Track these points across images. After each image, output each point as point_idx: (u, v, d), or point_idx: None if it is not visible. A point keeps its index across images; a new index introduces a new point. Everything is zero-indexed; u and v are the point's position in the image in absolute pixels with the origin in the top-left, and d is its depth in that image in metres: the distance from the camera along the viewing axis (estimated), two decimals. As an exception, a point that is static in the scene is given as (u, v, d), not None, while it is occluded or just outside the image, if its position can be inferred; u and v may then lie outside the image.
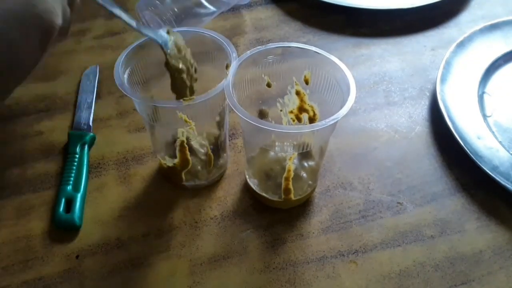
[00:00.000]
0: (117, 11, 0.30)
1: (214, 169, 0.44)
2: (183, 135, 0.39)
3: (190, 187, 0.44)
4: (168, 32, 0.35)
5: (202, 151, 0.42)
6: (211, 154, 0.42)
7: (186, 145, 0.40)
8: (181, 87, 0.35)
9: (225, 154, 0.45)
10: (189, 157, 0.41)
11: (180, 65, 0.34)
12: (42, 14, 0.20)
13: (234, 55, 0.37)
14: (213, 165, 0.43)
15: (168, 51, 0.34)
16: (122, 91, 0.35)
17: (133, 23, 0.31)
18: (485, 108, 0.50)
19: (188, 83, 0.35)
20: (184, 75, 0.35)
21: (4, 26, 0.18)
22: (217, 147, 0.44)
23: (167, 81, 0.37)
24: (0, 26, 0.18)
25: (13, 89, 0.20)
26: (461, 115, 0.47)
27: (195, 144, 0.41)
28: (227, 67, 0.37)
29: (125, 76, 0.37)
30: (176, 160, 0.42)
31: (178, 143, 0.40)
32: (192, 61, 0.36)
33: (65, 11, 0.21)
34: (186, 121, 0.37)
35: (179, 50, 0.35)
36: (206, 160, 0.43)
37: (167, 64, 0.35)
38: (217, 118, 0.41)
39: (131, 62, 0.38)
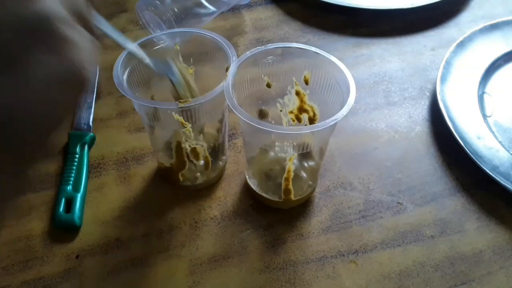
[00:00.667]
0: (130, 46, 0.32)
1: (211, 171, 0.44)
2: (179, 137, 0.39)
3: (187, 187, 0.44)
4: (173, 60, 0.38)
5: (200, 153, 0.42)
6: (209, 156, 0.42)
7: (182, 147, 0.40)
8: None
9: (224, 157, 0.45)
10: (186, 159, 0.41)
11: (187, 93, 0.38)
12: (80, 74, 0.20)
13: (234, 58, 0.37)
14: (210, 168, 0.43)
15: (177, 83, 0.37)
16: (120, 91, 0.35)
17: (147, 59, 0.33)
18: (485, 108, 0.50)
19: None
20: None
21: (49, 87, 0.19)
22: (216, 150, 0.44)
23: (167, 81, 0.37)
24: (45, 88, 0.19)
25: (45, 142, 0.22)
26: (461, 115, 0.47)
27: (192, 146, 0.41)
28: (227, 69, 0.37)
29: (125, 76, 0.37)
30: (173, 161, 0.42)
31: (174, 144, 0.40)
32: (196, 89, 0.39)
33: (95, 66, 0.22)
34: (182, 123, 0.37)
35: (185, 81, 0.37)
36: (203, 162, 0.43)
37: (176, 95, 0.37)
38: (217, 121, 0.41)
39: (131, 62, 0.38)
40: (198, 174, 0.43)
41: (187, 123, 0.37)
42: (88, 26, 0.22)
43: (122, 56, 0.37)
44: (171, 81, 0.36)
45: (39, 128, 0.20)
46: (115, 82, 0.35)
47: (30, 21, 0.19)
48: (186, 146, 0.40)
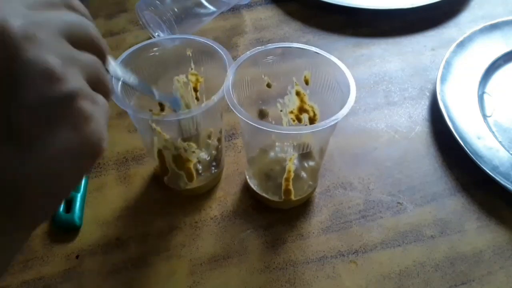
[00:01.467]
0: (137, 85, 0.32)
1: (201, 181, 0.43)
2: (160, 144, 0.39)
3: (175, 190, 0.44)
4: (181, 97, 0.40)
5: (185, 163, 0.41)
6: (192, 169, 0.41)
7: (163, 154, 0.40)
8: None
9: (215, 170, 0.44)
10: (168, 166, 0.41)
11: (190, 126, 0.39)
12: (95, 146, 0.21)
13: (229, 62, 0.37)
14: (196, 179, 0.42)
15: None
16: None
17: (156, 95, 0.34)
18: (485, 108, 0.50)
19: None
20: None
21: (61, 163, 0.20)
22: (209, 163, 0.43)
23: (167, 82, 0.37)
24: (57, 164, 0.19)
25: (55, 210, 0.22)
26: (461, 115, 0.47)
27: (174, 153, 0.40)
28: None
29: (120, 82, 0.37)
30: (156, 165, 0.42)
31: (156, 150, 0.40)
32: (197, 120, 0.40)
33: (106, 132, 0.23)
34: (159, 133, 0.37)
35: (187, 107, 0.39)
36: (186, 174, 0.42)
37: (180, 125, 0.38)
38: (207, 133, 0.41)
39: (131, 64, 0.38)
40: (184, 182, 0.43)
41: (164, 133, 0.37)
42: (104, 90, 0.22)
43: (118, 61, 0.37)
44: (175, 111, 0.37)
45: (49, 200, 0.21)
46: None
47: (51, 100, 0.19)
48: (168, 153, 0.40)
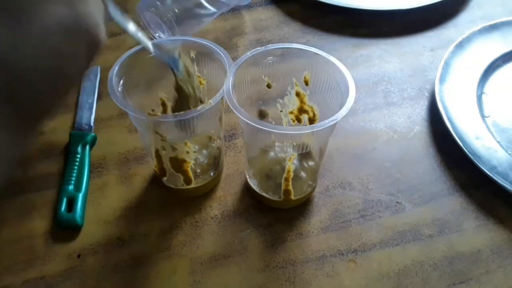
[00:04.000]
0: (135, 32, 0.31)
1: (198, 180, 0.43)
2: (157, 145, 0.40)
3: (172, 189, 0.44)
4: (179, 55, 0.36)
5: (183, 166, 0.41)
6: (189, 170, 0.41)
7: (160, 155, 0.40)
8: (185, 108, 0.37)
9: (212, 173, 0.44)
10: (165, 167, 0.41)
11: (189, 88, 0.37)
12: (90, 29, 0.20)
13: (229, 63, 0.37)
14: (194, 181, 0.43)
15: (180, 76, 0.36)
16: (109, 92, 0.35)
17: (149, 45, 0.33)
18: (483, 108, 0.50)
19: (191, 107, 0.36)
20: (192, 100, 0.37)
21: (55, 38, 0.19)
22: (208, 165, 0.44)
23: (167, 83, 0.37)
24: (51, 39, 0.19)
25: (59, 101, 0.21)
26: (459, 115, 0.48)
27: (171, 155, 0.40)
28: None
29: (121, 81, 0.37)
30: (155, 165, 0.42)
31: (153, 150, 0.41)
32: (199, 86, 0.38)
33: (107, 27, 0.22)
34: (156, 133, 0.37)
35: (188, 74, 0.36)
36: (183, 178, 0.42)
37: (178, 87, 0.37)
38: (207, 135, 0.41)
39: (131, 65, 0.38)
40: (182, 183, 0.43)
41: (162, 134, 0.37)
42: None
43: (118, 63, 0.37)
44: (174, 73, 0.36)
45: (48, 84, 0.20)
46: (109, 79, 0.36)
47: None
48: (165, 155, 0.40)
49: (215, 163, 0.44)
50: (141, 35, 0.31)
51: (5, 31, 0.18)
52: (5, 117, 0.18)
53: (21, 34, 0.18)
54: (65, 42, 0.19)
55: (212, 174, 0.44)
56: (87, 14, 0.20)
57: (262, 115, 0.44)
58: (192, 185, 0.43)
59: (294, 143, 0.38)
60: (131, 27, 0.30)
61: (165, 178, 0.43)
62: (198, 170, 0.43)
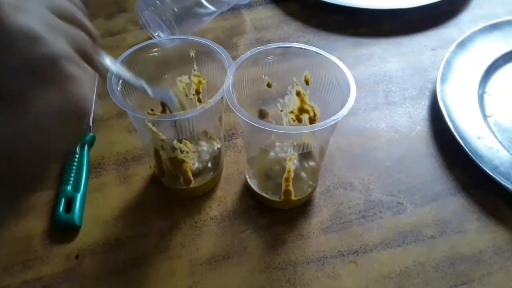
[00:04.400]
0: (129, 77, 0.33)
1: (197, 180, 0.43)
2: (156, 144, 0.39)
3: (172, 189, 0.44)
4: (174, 94, 0.39)
5: (182, 166, 0.41)
6: (188, 170, 0.41)
7: (160, 154, 0.40)
8: None
9: (211, 173, 0.43)
10: (164, 167, 0.41)
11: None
12: (80, 106, 0.21)
13: (229, 62, 0.37)
14: (193, 182, 0.42)
15: (174, 111, 0.37)
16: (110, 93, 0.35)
17: (148, 90, 0.34)
18: (485, 108, 0.50)
19: None
20: None
21: (48, 121, 0.20)
22: (208, 165, 0.43)
23: (167, 82, 0.37)
24: (44, 122, 0.20)
25: (46, 170, 0.23)
26: (461, 115, 0.47)
27: (170, 156, 0.40)
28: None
29: (121, 80, 0.37)
30: (154, 165, 0.42)
31: (152, 150, 0.40)
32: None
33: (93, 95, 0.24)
34: (155, 133, 0.37)
35: (182, 106, 0.38)
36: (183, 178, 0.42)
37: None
38: (205, 134, 0.41)
39: (131, 64, 0.38)
40: (181, 183, 0.42)
41: (160, 134, 0.37)
42: (91, 62, 0.23)
43: (119, 59, 0.37)
44: (169, 108, 0.37)
45: (40, 159, 0.21)
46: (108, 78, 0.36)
47: (36, 62, 0.20)
48: (164, 155, 0.40)
49: (215, 163, 0.44)
50: (139, 82, 0.34)
51: (2, 118, 0.19)
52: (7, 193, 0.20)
53: (16, 121, 0.19)
54: (57, 123, 0.21)
55: (211, 174, 0.43)
56: (78, 96, 0.21)
57: (262, 115, 0.44)
58: (192, 185, 0.42)
59: (295, 143, 0.38)
60: (127, 75, 0.32)
61: (164, 178, 0.43)
62: (198, 170, 0.43)
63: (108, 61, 0.29)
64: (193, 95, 0.43)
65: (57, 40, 0.21)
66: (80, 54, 0.22)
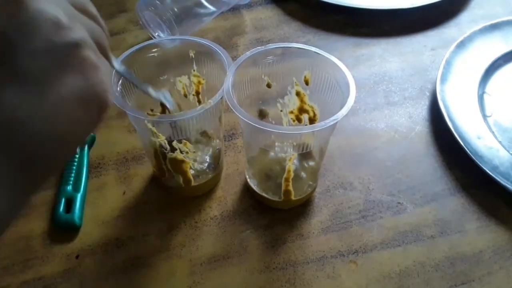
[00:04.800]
0: (132, 78, 0.34)
1: (197, 180, 0.43)
2: (155, 145, 0.39)
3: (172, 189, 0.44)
4: (171, 95, 0.39)
5: (182, 167, 0.41)
6: (187, 171, 0.41)
7: (159, 155, 0.40)
8: None
9: (211, 173, 0.43)
10: (164, 167, 0.41)
11: None
12: (100, 95, 0.22)
13: (228, 63, 0.37)
14: (193, 182, 0.42)
15: (172, 110, 0.38)
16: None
17: (152, 92, 0.35)
18: (485, 108, 0.50)
19: None
20: None
21: (69, 106, 0.21)
22: (208, 165, 0.43)
23: (167, 82, 0.37)
24: (65, 107, 0.21)
25: (66, 162, 0.23)
26: (461, 115, 0.47)
27: (171, 156, 0.40)
28: None
29: (120, 80, 0.37)
30: (154, 165, 0.42)
31: (152, 150, 0.40)
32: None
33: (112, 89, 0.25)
34: (154, 133, 0.37)
35: (180, 109, 0.39)
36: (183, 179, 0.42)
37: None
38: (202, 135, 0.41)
39: (130, 64, 0.38)
40: (181, 183, 0.42)
41: (160, 134, 0.37)
42: (105, 54, 0.24)
43: (119, 59, 0.37)
44: (167, 109, 0.37)
45: (59, 147, 0.21)
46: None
47: (59, 47, 0.20)
48: (164, 155, 0.40)
49: (215, 163, 0.44)
50: (133, 78, 0.34)
51: (26, 100, 0.19)
52: (17, 178, 0.20)
53: (39, 103, 0.20)
54: (77, 109, 0.21)
55: (211, 174, 0.43)
56: (98, 83, 0.22)
57: (262, 115, 0.44)
58: (192, 185, 0.42)
59: (294, 143, 0.38)
60: (127, 73, 0.33)
61: (164, 178, 0.43)
62: (198, 171, 0.43)
63: (113, 59, 0.29)
64: (193, 95, 0.43)
65: (79, 28, 0.21)
66: (96, 45, 0.23)
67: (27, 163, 0.20)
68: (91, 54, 0.22)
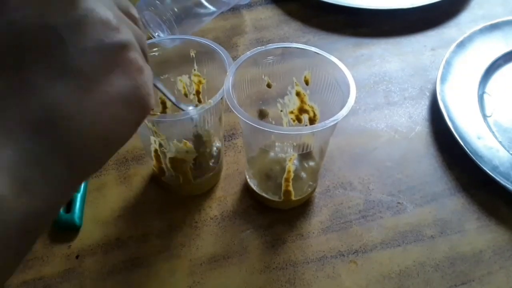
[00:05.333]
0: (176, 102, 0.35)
1: (197, 180, 0.43)
2: (156, 144, 0.39)
3: (172, 188, 0.44)
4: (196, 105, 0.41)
5: (182, 167, 0.41)
6: (188, 171, 0.41)
7: (159, 154, 0.40)
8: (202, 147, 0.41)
9: (211, 173, 0.43)
10: (163, 166, 0.41)
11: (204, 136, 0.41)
12: (144, 97, 0.22)
13: (229, 62, 0.37)
14: (193, 182, 0.42)
15: (196, 123, 0.38)
16: None
17: (171, 96, 0.35)
18: (485, 108, 0.50)
19: (207, 145, 0.42)
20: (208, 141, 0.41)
21: (114, 106, 0.21)
22: (208, 165, 0.43)
23: (167, 82, 0.37)
24: (111, 106, 0.21)
25: (108, 159, 0.23)
26: (461, 115, 0.47)
27: (171, 156, 0.40)
28: None
29: None
30: (154, 165, 0.42)
31: (152, 150, 0.40)
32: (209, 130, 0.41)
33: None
34: (155, 133, 0.37)
35: (204, 120, 0.39)
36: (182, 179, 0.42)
37: (197, 135, 0.40)
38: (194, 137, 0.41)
39: None
40: (181, 183, 0.42)
41: (161, 133, 0.37)
42: (146, 58, 0.24)
43: None
44: (192, 121, 0.38)
45: (103, 145, 0.21)
46: None
47: (108, 46, 0.21)
48: (164, 155, 0.40)
49: (215, 163, 0.44)
50: (182, 105, 0.36)
51: (74, 96, 0.20)
52: (64, 174, 0.20)
53: (87, 100, 0.20)
54: (122, 109, 0.21)
55: (211, 174, 0.43)
56: (142, 85, 0.22)
57: (262, 115, 0.44)
58: (191, 185, 0.42)
59: (295, 143, 0.38)
60: (170, 95, 0.34)
61: (164, 177, 0.43)
62: (198, 170, 0.43)
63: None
64: (193, 94, 0.43)
65: (126, 30, 0.22)
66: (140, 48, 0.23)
67: (73, 159, 0.20)
68: (138, 56, 0.22)
